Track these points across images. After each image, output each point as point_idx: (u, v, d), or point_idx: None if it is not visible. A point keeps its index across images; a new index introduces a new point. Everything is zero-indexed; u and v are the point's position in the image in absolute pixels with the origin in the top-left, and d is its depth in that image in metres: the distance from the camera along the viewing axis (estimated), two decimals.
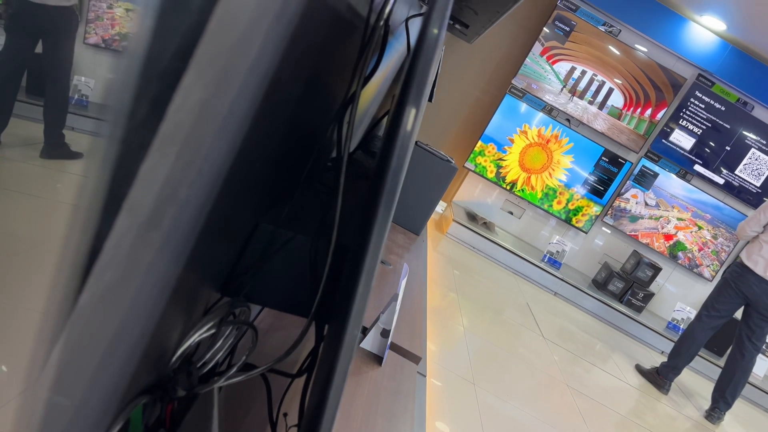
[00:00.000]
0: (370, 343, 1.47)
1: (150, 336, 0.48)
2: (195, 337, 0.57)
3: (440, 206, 5.32)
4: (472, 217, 4.97)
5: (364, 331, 1.52)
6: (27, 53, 3.22)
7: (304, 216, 0.65)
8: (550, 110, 4.93)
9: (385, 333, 1.46)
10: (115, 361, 0.43)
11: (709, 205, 5.05)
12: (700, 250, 5.15)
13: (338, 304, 0.57)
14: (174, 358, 0.56)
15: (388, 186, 0.45)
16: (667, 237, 5.13)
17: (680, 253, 5.14)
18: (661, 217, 5.10)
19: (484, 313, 3.39)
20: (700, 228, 5.11)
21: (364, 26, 0.57)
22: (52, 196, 2.69)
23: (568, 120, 4.95)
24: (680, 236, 5.13)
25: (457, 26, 2.42)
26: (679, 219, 5.09)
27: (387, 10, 0.55)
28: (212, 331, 0.57)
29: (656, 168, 5.01)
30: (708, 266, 5.15)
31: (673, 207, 5.08)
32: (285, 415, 0.74)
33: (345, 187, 0.59)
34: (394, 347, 1.58)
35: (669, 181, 5.04)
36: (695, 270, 5.15)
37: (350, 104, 0.60)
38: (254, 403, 1.11)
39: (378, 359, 1.46)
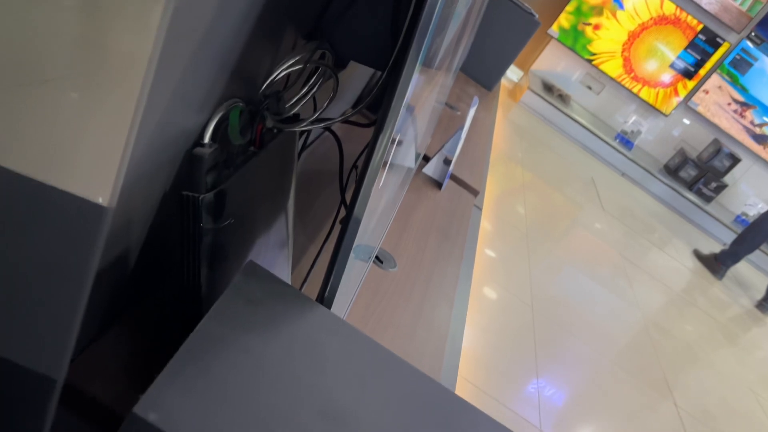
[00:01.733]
0: (432, 169, 1.53)
1: (242, 46, 0.54)
2: (283, 68, 0.62)
3: (516, 74, 5.15)
4: (549, 87, 4.81)
5: (427, 159, 1.57)
6: None
7: None
8: None
9: (447, 161, 1.51)
10: (213, 57, 0.48)
11: None
12: None
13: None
14: (264, 85, 0.62)
15: None
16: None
17: None
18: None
19: (546, 181, 3.40)
20: None
21: None
22: None
23: None
24: None
25: None
26: None
27: None
28: (299, 66, 0.62)
29: (755, 51, 4.62)
30: None
31: None
32: (356, 168, 0.81)
33: None
34: (455, 178, 1.64)
35: None
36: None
37: None
38: (330, 162, 1.21)
39: (438, 185, 1.52)
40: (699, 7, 4.54)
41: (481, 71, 2.72)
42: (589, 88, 4.98)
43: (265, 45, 0.59)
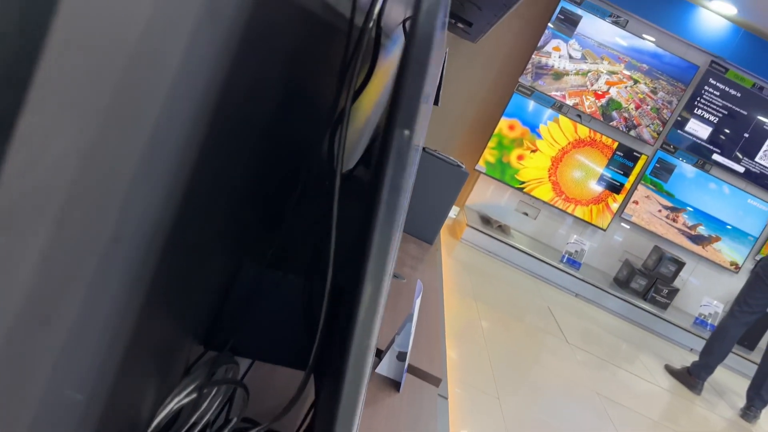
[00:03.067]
0: (386, 367, 1.38)
1: (112, 401, 0.39)
2: (174, 404, 0.47)
3: (453, 211, 5.21)
4: (486, 220, 4.86)
5: (379, 355, 1.42)
6: None
7: (295, 250, 0.55)
8: (560, 107, 4.81)
9: (401, 356, 1.37)
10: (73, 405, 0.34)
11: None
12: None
13: (335, 355, 0.48)
14: (150, 429, 0.47)
15: (386, 204, 0.36)
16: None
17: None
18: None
19: (504, 321, 3.28)
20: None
21: (347, 30, 0.48)
22: None
23: (579, 116, 4.83)
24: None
25: (459, 25, 2.33)
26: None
27: (376, 10, 0.46)
28: (193, 395, 0.48)
29: (672, 159, 4.88)
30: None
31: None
32: None
33: (342, 212, 0.50)
34: (412, 370, 1.48)
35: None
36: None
37: (339, 122, 0.50)
38: None
39: (396, 384, 1.36)
40: (609, 126, 4.81)
41: (420, 227, 2.68)
42: (526, 214, 5.07)
43: (146, 380, 0.45)
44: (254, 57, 0.40)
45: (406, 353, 1.35)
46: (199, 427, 0.51)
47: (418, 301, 1.32)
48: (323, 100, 0.64)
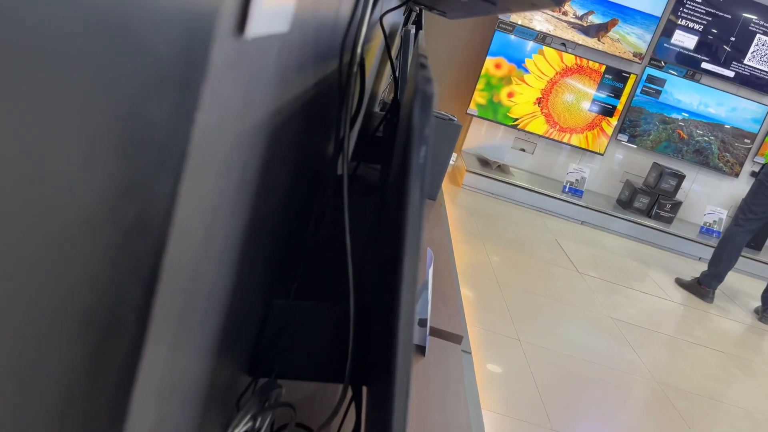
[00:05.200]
0: None
1: None
2: None
3: (451, 157, 5.23)
4: (485, 162, 4.89)
5: None
6: None
7: (319, 278, 0.61)
8: (543, 38, 4.76)
9: (422, 323, 1.44)
10: None
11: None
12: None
13: (375, 364, 0.54)
14: None
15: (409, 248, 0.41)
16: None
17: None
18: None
19: (514, 259, 3.36)
20: None
21: (338, 71, 0.52)
22: None
23: (563, 44, 4.79)
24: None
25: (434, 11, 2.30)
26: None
27: (358, 51, 0.50)
28: (250, 423, 0.54)
29: (661, 74, 4.85)
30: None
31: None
32: None
33: (356, 237, 0.55)
34: (435, 332, 1.56)
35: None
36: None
37: (340, 152, 0.55)
38: None
39: (421, 350, 1.44)
40: (596, 51, 4.77)
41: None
42: (522, 150, 5.09)
43: (212, 408, 0.51)
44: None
45: (426, 319, 1.42)
46: None
47: (430, 270, 1.38)
48: (326, 128, 0.68)
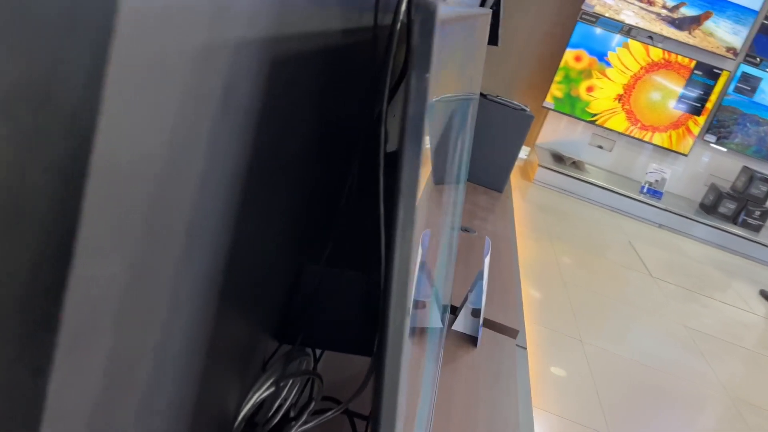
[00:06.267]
0: (462, 324, 1.42)
1: (201, 399, 0.45)
2: (256, 397, 0.53)
3: (524, 151, 5.11)
4: (559, 158, 4.73)
5: (455, 312, 1.46)
6: None
7: (351, 244, 0.59)
8: (628, 31, 4.54)
9: (475, 312, 1.40)
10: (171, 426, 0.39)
11: None
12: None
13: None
14: (237, 422, 0.53)
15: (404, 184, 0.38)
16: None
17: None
18: None
19: (583, 259, 3.24)
20: None
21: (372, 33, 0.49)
22: None
23: (650, 37, 4.55)
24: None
25: None
26: None
27: (402, 8, 0.47)
28: (272, 389, 0.53)
29: (758, 72, 4.53)
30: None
31: None
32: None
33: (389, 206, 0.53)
34: (489, 324, 1.52)
35: None
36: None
37: (378, 125, 0.53)
38: None
39: (473, 340, 1.40)
40: (686, 45, 4.51)
41: (488, 176, 2.66)
42: (600, 147, 4.89)
43: (231, 378, 0.50)
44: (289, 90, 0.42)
45: (479, 310, 1.38)
46: (282, 412, 0.56)
47: (487, 259, 1.34)
48: (359, 102, 0.66)
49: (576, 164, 4.67)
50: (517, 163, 4.90)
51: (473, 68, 1.27)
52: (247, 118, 0.37)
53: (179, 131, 0.28)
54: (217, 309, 0.46)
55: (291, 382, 0.54)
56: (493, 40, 2.91)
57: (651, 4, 4.46)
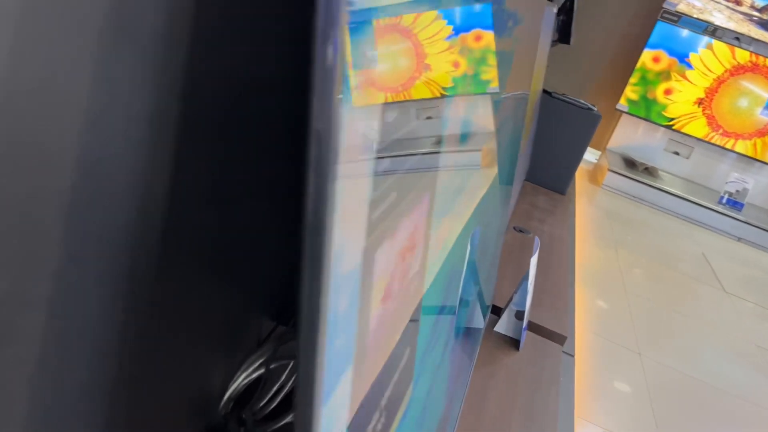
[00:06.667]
0: (504, 326, 1.36)
1: (181, 375, 0.43)
2: (243, 377, 0.51)
3: (594, 155, 4.92)
4: (631, 163, 4.53)
5: (498, 313, 1.41)
6: None
7: None
8: (713, 31, 4.29)
9: (519, 315, 1.34)
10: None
11: None
12: None
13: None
14: (223, 402, 0.51)
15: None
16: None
17: None
18: None
19: (649, 269, 3.07)
20: None
21: None
22: None
23: (737, 39, 4.28)
24: None
25: None
26: None
27: None
28: (261, 370, 0.50)
29: None
30: None
31: None
32: None
33: None
34: (535, 328, 1.45)
35: None
36: None
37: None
38: None
39: (515, 343, 1.34)
40: None
41: (550, 176, 2.57)
42: (677, 153, 4.64)
43: (215, 354, 0.49)
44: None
45: (523, 312, 1.32)
46: (278, 400, 0.54)
47: (534, 259, 1.28)
48: None
49: (649, 170, 4.45)
50: (586, 167, 4.72)
51: (523, 63, 1.21)
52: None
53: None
54: (204, 281, 0.44)
55: (285, 365, 0.52)
56: (564, 38, 2.80)
57: (738, 4, 4.19)
